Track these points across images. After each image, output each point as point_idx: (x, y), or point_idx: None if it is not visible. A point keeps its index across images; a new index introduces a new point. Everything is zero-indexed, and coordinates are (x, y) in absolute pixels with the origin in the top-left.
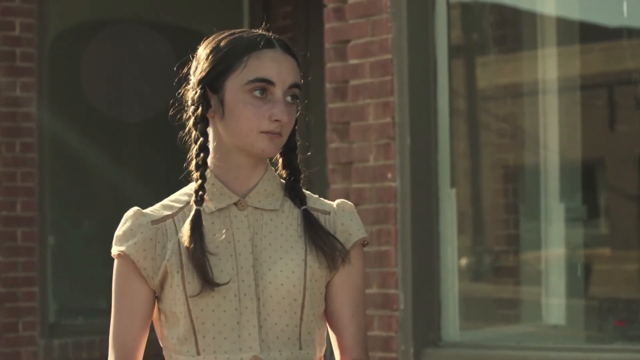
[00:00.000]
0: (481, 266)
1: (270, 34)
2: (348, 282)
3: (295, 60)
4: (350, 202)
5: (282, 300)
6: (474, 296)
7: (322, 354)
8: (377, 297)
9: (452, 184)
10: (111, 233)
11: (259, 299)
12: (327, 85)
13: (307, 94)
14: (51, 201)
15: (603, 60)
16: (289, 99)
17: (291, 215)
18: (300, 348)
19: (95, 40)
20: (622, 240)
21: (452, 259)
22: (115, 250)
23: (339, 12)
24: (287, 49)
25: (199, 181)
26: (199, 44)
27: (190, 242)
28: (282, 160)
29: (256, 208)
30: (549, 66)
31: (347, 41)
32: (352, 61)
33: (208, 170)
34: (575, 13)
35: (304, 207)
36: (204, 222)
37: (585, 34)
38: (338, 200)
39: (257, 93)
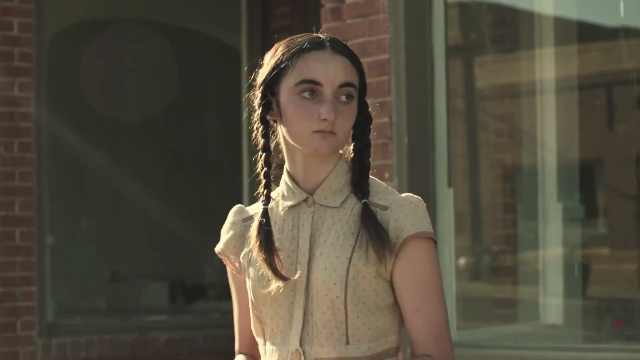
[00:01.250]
0: (479, 266)
1: (325, 35)
2: (408, 278)
3: (349, 60)
4: (415, 197)
5: (325, 297)
6: (471, 296)
7: (391, 346)
8: None
9: (450, 184)
10: (109, 233)
11: (308, 295)
12: None
13: None
14: (49, 201)
15: (601, 60)
16: (343, 98)
17: (350, 212)
18: (348, 343)
19: (94, 40)
20: (620, 240)
21: (450, 259)
22: (217, 247)
23: (336, 12)
24: (339, 50)
25: (264, 181)
26: (197, 43)
27: (255, 241)
28: (354, 156)
29: (321, 205)
30: (546, 66)
31: (345, 41)
32: None
33: (285, 173)
34: (573, 13)
35: (363, 200)
36: (278, 219)
37: (582, 33)
38: (403, 195)
39: (306, 94)
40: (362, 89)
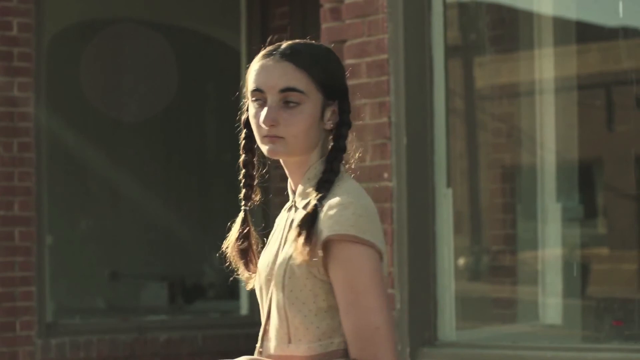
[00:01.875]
0: (478, 266)
1: (285, 42)
2: (336, 280)
3: (295, 65)
4: (347, 199)
5: (273, 296)
6: (470, 296)
7: (338, 348)
8: None
9: (449, 184)
10: (108, 233)
11: (271, 293)
12: None
13: None
14: (48, 201)
15: (600, 60)
16: (289, 103)
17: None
18: (290, 342)
19: (93, 40)
20: (619, 240)
21: (449, 259)
22: None
23: (335, 12)
24: (286, 56)
25: (242, 181)
26: (196, 43)
27: (233, 238)
28: (327, 158)
29: (296, 207)
30: (545, 66)
31: (344, 41)
32: (349, 61)
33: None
34: (572, 13)
35: (313, 202)
36: (278, 219)
37: (582, 33)
38: (341, 196)
39: (257, 102)
40: (332, 91)
